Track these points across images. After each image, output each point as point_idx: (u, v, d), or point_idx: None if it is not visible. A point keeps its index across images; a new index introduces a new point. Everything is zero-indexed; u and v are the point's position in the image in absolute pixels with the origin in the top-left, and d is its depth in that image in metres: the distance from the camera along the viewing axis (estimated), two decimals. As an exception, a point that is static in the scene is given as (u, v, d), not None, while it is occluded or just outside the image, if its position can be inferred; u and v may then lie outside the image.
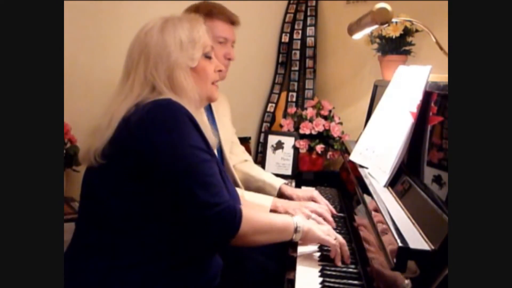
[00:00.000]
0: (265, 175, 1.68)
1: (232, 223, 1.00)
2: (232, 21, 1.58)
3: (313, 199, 1.52)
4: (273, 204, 1.44)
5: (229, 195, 1.04)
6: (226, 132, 1.71)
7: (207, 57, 1.14)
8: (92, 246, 1.04)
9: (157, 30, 1.08)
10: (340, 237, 1.15)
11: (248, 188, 1.66)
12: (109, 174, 1.02)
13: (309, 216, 1.34)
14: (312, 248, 1.20)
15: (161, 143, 0.97)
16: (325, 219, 1.34)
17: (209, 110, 1.67)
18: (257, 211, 1.11)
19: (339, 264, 1.10)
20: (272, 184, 1.63)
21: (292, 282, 1.04)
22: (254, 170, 1.73)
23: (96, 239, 1.04)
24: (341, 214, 1.33)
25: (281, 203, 1.45)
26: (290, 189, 1.62)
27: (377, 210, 1.00)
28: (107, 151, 1.01)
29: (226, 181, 1.09)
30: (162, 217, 1.01)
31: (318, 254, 1.17)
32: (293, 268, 1.11)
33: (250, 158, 1.84)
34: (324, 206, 1.42)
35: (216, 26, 1.53)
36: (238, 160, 1.76)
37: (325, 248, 1.19)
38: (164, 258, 1.02)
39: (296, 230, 1.11)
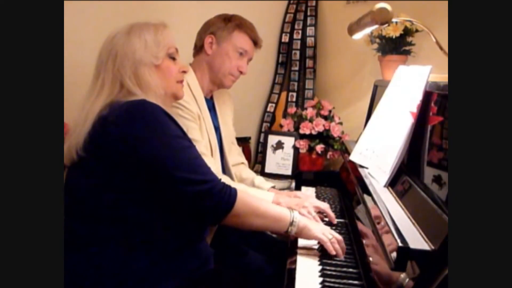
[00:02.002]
0: (256, 179, 1.71)
1: (227, 198, 1.06)
2: (255, 41, 1.67)
3: None
4: (275, 200, 1.46)
5: None
6: (227, 131, 1.73)
7: (172, 57, 1.19)
8: (82, 241, 1.07)
9: (124, 33, 1.14)
10: (336, 234, 1.17)
11: None
12: (94, 168, 1.06)
13: (310, 212, 1.36)
14: (311, 244, 1.20)
15: (144, 136, 1.02)
16: (327, 215, 1.37)
17: (213, 108, 1.69)
18: (256, 197, 1.15)
19: (334, 253, 1.12)
20: (260, 187, 1.66)
21: (292, 282, 1.04)
22: (245, 173, 1.76)
23: (85, 234, 1.06)
24: (341, 220, 1.35)
25: (284, 199, 1.46)
26: (274, 192, 1.63)
27: (377, 210, 1.00)
28: (88, 146, 1.05)
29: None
30: (151, 204, 1.05)
31: (318, 254, 1.17)
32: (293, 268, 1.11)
33: (246, 162, 1.86)
34: (326, 204, 1.43)
35: (241, 37, 1.63)
36: (234, 162, 1.78)
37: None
38: (154, 245, 1.06)
39: (292, 224, 1.14)
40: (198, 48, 1.65)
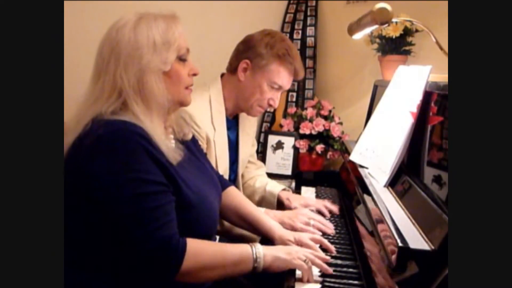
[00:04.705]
0: (268, 185, 1.67)
1: (172, 260, 0.95)
2: (297, 75, 1.53)
3: (306, 206, 1.50)
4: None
5: (186, 227, 0.99)
6: (245, 150, 1.68)
7: (182, 59, 1.07)
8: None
9: (130, 27, 1.02)
10: (310, 247, 1.11)
11: (253, 200, 1.63)
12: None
13: (308, 223, 1.32)
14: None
15: (101, 174, 0.94)
16: (324, 225, 1.33)
17: (235, 126, 1.64)
18: (210, 243, 1.05)
19: (306, 280, 1.03)
20: (272, 191, 1.63)
21: (292, 282, 1.04)
22: (259, 183, 1.72)
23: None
24: (341, 220, 1.33)
25: (273, 213, 1.40)
26: (285, 193, 1.61)
27: (377, 210, 1.00)
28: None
29: (191, 209, 1.03)
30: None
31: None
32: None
33: (263, 173, 1.82)
34: (319, 217, 1.39)
35: (279, 72, 1.49)
36: (249, 177, 1.76)
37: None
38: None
39: (256, 260, 1.02)
40: (233, 69, 1.53)
